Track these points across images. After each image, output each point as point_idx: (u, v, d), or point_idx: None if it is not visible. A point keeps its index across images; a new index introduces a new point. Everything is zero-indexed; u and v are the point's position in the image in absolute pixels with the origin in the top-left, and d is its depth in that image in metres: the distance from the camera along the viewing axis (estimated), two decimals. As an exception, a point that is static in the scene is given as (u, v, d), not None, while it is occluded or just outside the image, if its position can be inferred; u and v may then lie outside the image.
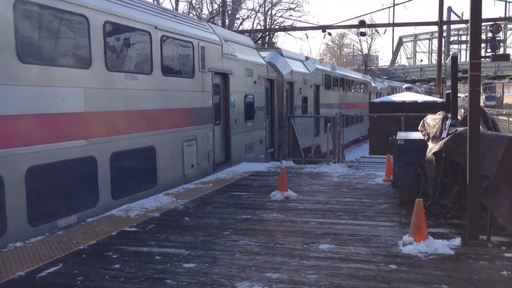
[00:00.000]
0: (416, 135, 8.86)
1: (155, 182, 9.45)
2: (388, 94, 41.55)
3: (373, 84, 39.21)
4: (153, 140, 9.43)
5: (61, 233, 6.75)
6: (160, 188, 9.50)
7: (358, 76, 36.01)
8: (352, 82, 31.56)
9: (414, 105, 19.50)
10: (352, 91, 31.58)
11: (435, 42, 48.91)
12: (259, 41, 34.13)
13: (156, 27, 9.46)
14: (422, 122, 9.00)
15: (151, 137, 9.35)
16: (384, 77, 54.27)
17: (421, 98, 22.41)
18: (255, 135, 14.95)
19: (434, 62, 54.01)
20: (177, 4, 37.54)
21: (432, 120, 8.48)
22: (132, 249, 6.05)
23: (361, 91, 35.04)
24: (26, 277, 5.15)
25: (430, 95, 49.24)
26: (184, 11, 36.95)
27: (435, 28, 35.17)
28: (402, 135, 9.35)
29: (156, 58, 9.52)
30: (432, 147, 7.57)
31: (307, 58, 22.59)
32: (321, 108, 22.84)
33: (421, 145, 8.09)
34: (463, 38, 57.68)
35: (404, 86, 40.36)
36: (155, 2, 35.48)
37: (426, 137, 8.23)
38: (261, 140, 15.45)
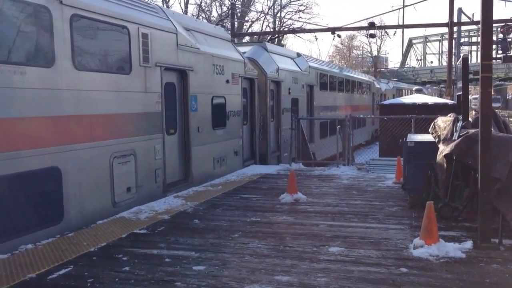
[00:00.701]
0: (427, 137, 8.80)
1: (61, 217, 7.03)
2: (394, 96, 40.56)
3: (377, 85, 37.15)
4: (58, 159, 6.97)
5: (72, 235, 6.79)
6: (71, 225, 7.14)
7: (359, 76, 33.62)
8: (352, 83, 29.14)
9: (424, 107, 19.41)
10: (353, 92, 29.10)
11: (446, 43, 48.62)
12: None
13: (60, 2, 7.03)
14: (432, 124, 8.94)
15: (54, 154, 6.91)
16: (394, 79, 53.98)
17: (431, 100, 22.29)
18: (228, 145, 12.68)
19: (444, 63, 53.74)
20: (186, 7, 37.73)
21: (443, 122, 8.42)
22: (142, 252, 6.07)
23: (364, 92, 32.45)
24: (37, 279, 5.18)
25: (440, 96, 48.88)
26: (194, 14, 37.12)
27: (445, 29, 35.04)
28: (412, 137, 9.30)
29: (62, 45, 7.05)
30: (443, 149, 7.51)
31: (298, 55, 20.29)
32: (315, 111, 20.54)
33: (432, 147, 8.04)
34: (474, 39, 57.18)
35: (414, 88, 40.07)
36: (164, 5, 35.71)
37: (436, 139, 8.18)
38: (236, 151, 13.16)
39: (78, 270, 5.42)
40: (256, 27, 41.59)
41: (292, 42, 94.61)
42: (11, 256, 5.84)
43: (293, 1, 42.81)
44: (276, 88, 16.24)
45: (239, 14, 37.99)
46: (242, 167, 13.40)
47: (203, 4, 39.13)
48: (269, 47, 17.05)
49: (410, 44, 71.12)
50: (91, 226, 7.26)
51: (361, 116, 28.26)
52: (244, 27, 38.67)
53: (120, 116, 8.39)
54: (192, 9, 39.77)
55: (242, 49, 15.35)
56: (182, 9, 37.65)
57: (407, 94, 46.13)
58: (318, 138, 20.66)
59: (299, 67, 18.82)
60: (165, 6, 35.14)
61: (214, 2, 39.95)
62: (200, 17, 36.92)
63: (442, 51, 67.85)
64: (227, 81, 12.60)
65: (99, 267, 5.51)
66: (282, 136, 16.65)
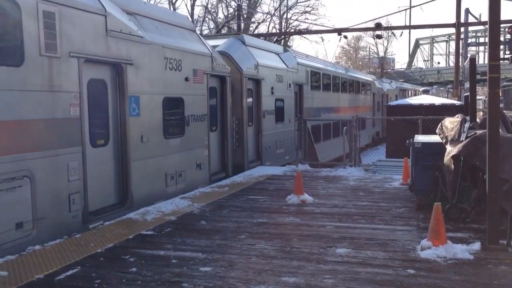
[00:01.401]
0: (434, 138, 8.76)
1: None
2: (396, 97, 39.31)
3: (378, 85, 34.86)
4: None
5: (79, 236, 6.81)
6: None
7: (358, 75, 31.12)
8: (350, 82, 26.88)
9: (431, 108, 19.34)
10: (350, 92, 26.86)
11: (453, 44, 48.39)
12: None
13: None
14: (440, 125, 8.90)
15: None
16: (401, 80, 53.75)
17: (438, 101, 22.20)
18: (187, 157, 10.42)
19: (451, 64, 53.49)
20: (192, 9, 37.84)
21: (450, 123, 8.38)
22: (149, 253, 6.08)
23: (363, 92, 30.02)
24: (44, 280, 5.20)
25: (447, 96, 48.44)
26: (200, 16, 37.19)
27: (452, 30, 34.89)
28: (419, 138, 9.26)
29: None
30: (451, 150, 7.48)
31: (285, 50, 18.31)
32: (305, 113, 18.46)
33: (439, 148, 8.01)
34: (481, 40, 56.98)
35: (421, 89, 39.65)
36: (171, 7, 35.82)
37: (444, 140, 8.14)
38: (199, 163, 10.90)
39: (85, 271, 5.44)
40: (262, 29, 41.67)
41: (299, 44, 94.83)
42: (19, 257, 5.87)
43: (299, 3, 42.86)
44: (255, 87, 14.30)
45: (245, 16, 38.04)
46: (209, 182, 11.22)
47: (209, 6, 39.23)
48: (248, 40, 14.91)
49: (417, 44, 70.92)
50: (98, 227, 7.28)
51: (368, 117, 28.10)
52: (251, 28, 38.70)
53: (2, 125, 6.10)
54: (198, 10, 39.89)
55: (215, 42, 13.80)
56: (188, 11, 37.78)
57: (412, 95, 45.57)
58: (319, 141, 19.72)
59: (285, 64, 16.70)
60: (171, 8, 35.29)
61: (220, 4, 40.05)
62: (207, 19, 37.05)
63: (449, 52, 67.65)
64: (187, 79, 10.38)
65: (106, 268, 5.53)
66: (264, 143, 14.62)
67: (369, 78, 33.39)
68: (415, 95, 46.13)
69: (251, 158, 14.13)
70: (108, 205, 8.20)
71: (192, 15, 35.81)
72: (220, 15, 40.26)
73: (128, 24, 8.68)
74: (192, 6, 38.35)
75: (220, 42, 14.07)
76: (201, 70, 11.11)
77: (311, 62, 20.51)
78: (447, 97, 45.89)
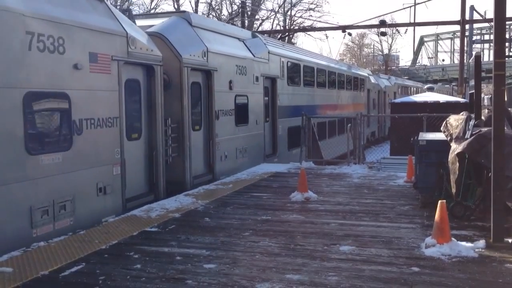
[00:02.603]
0: (439, 136, 8.74)
1: None
2: (395, 94, 37.58)
3: (373, 81, 31.78)
4: None
5: (83, 233, 6.83)
6: None
7: (349, 68, 27.54)
8: (339, 76, 23.41)
9: (436, 105, 19.28)
10: (340, 88, 23.52)
11: (457, 41, 48.22)
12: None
13: None
14: (444, 122, 8.87)
15: None
16: (405, 77, 53.54)
17: (443, 98, 22.12)
18: (79, 179, 7.38)
19: (456, 62, 53.28)
20: (196, 6, 37.82)
21: (455, 120, 8.35)
22: (153, 249, 6.09)
23: (354, 88, 26.69)
24: (49, 276, 5.22)
25: (452, 94, 48.04)
26: (204, 13, 37.19)
27: (457, 27, 34.77)
28: (424, 135, 9.24)
29: None
30: (455, 148, 7.45)
31: (254, 36, 15.09)
32: (279, 113, 15.43)
33: (444, 146, 7.98)
34: (486, 37, 56.78)
35: (425, 87, 39.22)
36: (174, 4, 35.82)
37: (449, 138, 8.11)
38: (103, 186, 7.90)
39: (90, 268, 5.46)
40: (266, 26, 41.56)
41: (303, 41, 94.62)
42: (24, 254, 5.90)
43: (303, 0, 42.72)
44: (205, 80, 11.33)
45: (249, 13, 37.98)
46: (124, 210, 8.25)
47: (213, 3, 39.20)
48: (196, 20, 11.68)
49: (421, 42, 70.70)
50: (103, 224, 7.30)
51: (372, 115, 27.86)
52: (255, 25, 38.64)
53: None
54: (202, 7, 39.80)
55: (153, 21, 10.96)
56: (192, 8, 37.77)
57: (414, 93, 44.49)
58: (324, 138, 18.97)
59: (251, 52, 13.75)
60: (175, 5, 35.28)
61: (224, 1, 40.01)
62: (211, 16, 37.02)
63: (454, 49, 67.41)
64: (76, 66, 7.32)
65: (110, 265, 5.55)
66: (218, 152, 11.62)
67: (363, 72, 29.95)
68: (416, 92, 45.38)
69: (199, 171, 10.99)
70: None
71: (196, 12, 35.77)
72: (224, 12, 40.23)
73: None
74: (196, 3, 38.34)
75: (155, 22, 11.01)
76: (106, 55, 8.01)
77: (288, 52, 17.32)
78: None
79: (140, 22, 10.32)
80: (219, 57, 11.81)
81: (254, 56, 13.81)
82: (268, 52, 14.82)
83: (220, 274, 5.23)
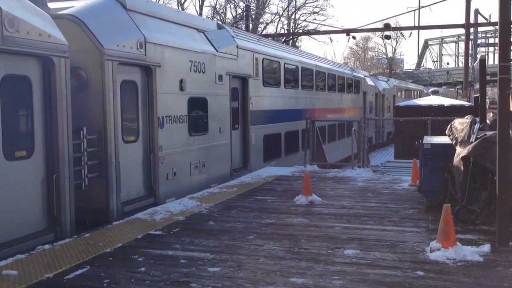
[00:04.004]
0: (443, 140, 8.72)
1: None
2: (394, 97, 36.13)
3: (369, 82, 29.62)
4: None
5: (88, 235, 6.85)
6: None
7: (341, 68, 24.69)
8: (329, 77, 20.84)
9: (440, 109, 19.26)
10: (328, 90, 20.91)
11: (462, 45, 48.07)
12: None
13: None
14: (449, 126, 8.86)
15: None
16: (409, 81, 53.44)
17: (448, 102, 22.09)
18: None
19: (461, 65, 53.18)
20: (201, 9, 37.96)
21: (460, 124, 8.33)
22: (157, 253, 6.10)
23: (348, 91, 24.15)
24: (54, 279, 5.23)
25: (456, 97, 47.79)
26: (208, 16, 37.30)
27: (462, 30, 34.70)
28: (428, 139, 9.22)
29: None
30: (460, 151, 7.44)
31: (220, 27, 12.69)
32: (251, 119, 13.16)
33: (449, 149, 7.96)
34: (491, 40, 56.65)
35: (430, 90, 38.83)
36: (179, 7, 35.95)
37: (453, 142, 8.10)
38: None
39: (94, 271, 5.47)
40: (270, 29, 41.66)
41: (307, 44, 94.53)
42: (29, 256, 5.91)
43: (307, 3, 42.79)
44: (143, 79, 9.05)
45: (253, 16, 38.07)
46: None
47: (217, 7, 39.33)
48: (132, 2, 9.07)
49: (426, 45, 70.60)
50: (107, 227, 7.32)
51: (376, 118, 27.74)
52: (259, 29, 38.73)
53: None
54: (207, 11, 40.02)
55: (78, 3, 8.41)
56: (197, 11, 37.90)
57: (416, 96, 43.57)
58: (327, 141, 18.24)
59: (212, 46, 11.44)
60: (180, 9, 35.40)
61: (228, 4, 40.12)
62: (215, 19, 37.13)
63: (458, 53, 67.26)
64: None
65: (115, 268, 5.55)
66: (163, 168, 9.30)
67: (356, 73, 27.34)
68: (418, 96, 44.68)
69: (133, 195, 8.66)
70: None
71: (200, 15, 35.90)
72: (229, 15, 40.36)
73: None
74: (201, 6, 38.52)
75: (77, 3, 8.54)
76: None
77: (263, 47, 14.62)
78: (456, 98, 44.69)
79: (63, 4, 8.39)
80: (165, 49, 9.49)
81: (217, 51, 11.52)
82: (237, 47, 12.51)
83: (224, 277, 5.23)
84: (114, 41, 8.20)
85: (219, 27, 12.63)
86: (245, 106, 13.02)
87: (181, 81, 10.00)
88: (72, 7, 8.27)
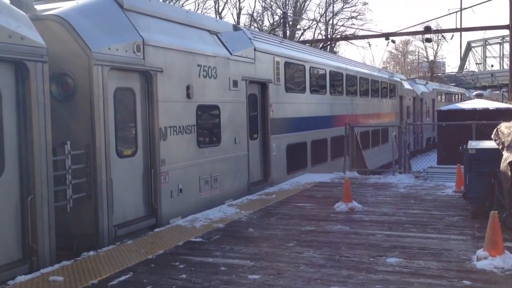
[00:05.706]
0: (489, 144, 8.45)
1: None
2: (434, 101, 35.03)
3: (406, 86, 28.65)
4: None
5: (131, 242, 6.97)
6: None
7: (375, 72, 22.95)
8: (360, 81, 19.54)
9: (485, 112, 18.71)
10: (361, 95, 19.66)
11: (507, 46, 46.58)
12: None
13: None
14: (495, 130, 8.57)
15: None
16: (452, 84, 52.13)
17: (493, 105, 21.44)
18: None
19: (506, 67, 51.48)
20: (238, 17, 38.31)
21: (507, 128, 8.05)
22: (198, 260, 6.15)
23: (383, 95, 22.81)
24: (98, 285, 5.35)
25: (502, 100, 46.14)
26: (246, 24, 37.60)
27: (506, 31, 33.59)
28: (473, 144, 8.96)
29: None
30: (507, 156, 7.19)
31: (236, 28, 11.79)
32: (272, 128, 12.07)
33: (495, 154, 7.70)
34: (537, 40, 54.70)
35: (474, 93, 37.58)
36: (217, 16, 36.40)
37: (500, 146, 7.83)
38: None
39: (138, 277, 5.56)
40: (308, 35, 41.61)
41: (345, 49, 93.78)
42: (75, 263, 6.07)
43: (345, 8, 42.54)
44: (142, 85, 8.19)
45: (291, 23, 38.11)
46: None
47: (255, 14, 39.60)
48: (130, 2, 8.22)
49: (468, 47, 68.81)
50: (149, 234, 7.43)
51: (418, 123, 27.11)
52: (296, 35, 38.75)
53: None
54: (244, 19, 40.38)
55: (65, 4, 7.66)
56: (234, 20, 38.26)
57: (457, 100, 42.18)
58: (368, 147, 17.95)
59: (226, 49, 10.51)
60: (218, 17, 35.86)
61: (265, 12, 40.33)
62: (252, 27, 37.36)
63: (503, 54, 65.25)
64: None
65: (157, 274, 5.63)
66: (166, 184, 8.42)
67: (391, 76, 25.81)
68: (460, 99, 43.24)
69: (130, 216, 7.79)
70: None
71: (238, 23, 36.25)
72: (266, 23, 40.57)
73: None
74: (238, 14, 38.88)
75: (68, 4, 7.78)
76: None
77: (285, 50, 13.50)
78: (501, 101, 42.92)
79: (54, 6, 7.57)
80: (168, 53, 8.61)
81: (231, 54, 10.52)
82: (255, 49, 11.47)
83: (264, 285, 5.22)
84: (105, 44, 7.32)
85: (235, 28, 11.77)
86: (264, 113, 11.90)
87: (188, 88, 9.09)
88: (56, 7, 7.49)
